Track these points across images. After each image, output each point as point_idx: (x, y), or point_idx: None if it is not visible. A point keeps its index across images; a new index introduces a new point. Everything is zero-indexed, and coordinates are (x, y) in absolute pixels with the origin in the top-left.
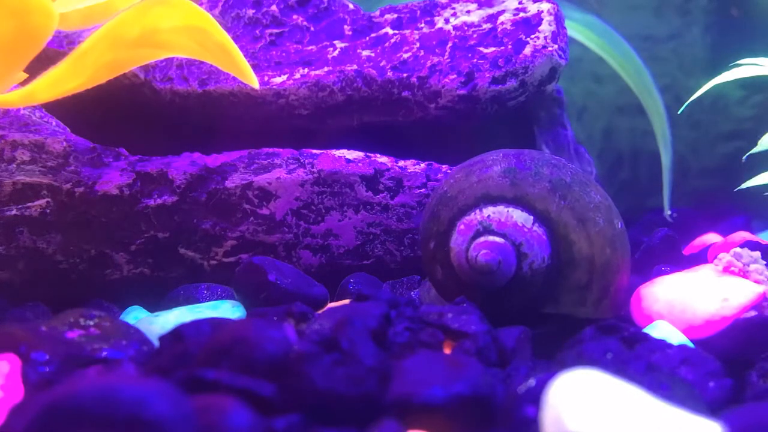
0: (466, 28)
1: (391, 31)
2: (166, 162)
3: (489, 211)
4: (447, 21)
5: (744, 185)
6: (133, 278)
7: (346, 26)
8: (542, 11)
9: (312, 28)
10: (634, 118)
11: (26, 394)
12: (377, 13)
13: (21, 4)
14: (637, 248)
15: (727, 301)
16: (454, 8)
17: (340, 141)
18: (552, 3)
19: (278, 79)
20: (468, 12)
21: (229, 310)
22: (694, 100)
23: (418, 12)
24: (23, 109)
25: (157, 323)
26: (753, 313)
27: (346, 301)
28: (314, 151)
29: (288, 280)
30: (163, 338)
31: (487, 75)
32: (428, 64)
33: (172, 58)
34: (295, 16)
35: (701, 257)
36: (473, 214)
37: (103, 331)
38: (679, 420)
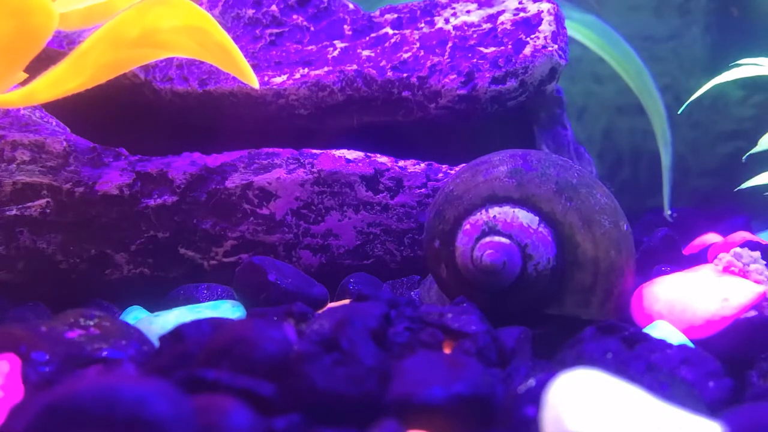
0: (466, 28)
1: (391, 31)
2: (166, 162)
3: (495, 211)
4: (447, 21)
5: (744, 185)
6: (133, 278)
7: (346, 26)
8: (542, 11)
9: (312, 28)
10: (634, 118)
11: (26, 394)
12: (377, 13)
13: (21, 4)
14: (637, 248)
15: (727, 301)
16: (454, 8)
17: (340, 141)
18: (552, 3)
19: (278, 79)
20: (468, 12)
21: (229, 310)
22: (694, 100)
23: (418, 12)
24: (23, 109)
25: (157, 323)
26: (753, 313)
27: (346, 301)
28: (314, 151)
29: (288, 280)
30: (163, 338)
31: (487, 75)
32: (428, 64)
33: (172, 58)
34: (295, 16)
35: (701, 257)
36: (479, 214)
37: (103, 331)
38: (679, 420)
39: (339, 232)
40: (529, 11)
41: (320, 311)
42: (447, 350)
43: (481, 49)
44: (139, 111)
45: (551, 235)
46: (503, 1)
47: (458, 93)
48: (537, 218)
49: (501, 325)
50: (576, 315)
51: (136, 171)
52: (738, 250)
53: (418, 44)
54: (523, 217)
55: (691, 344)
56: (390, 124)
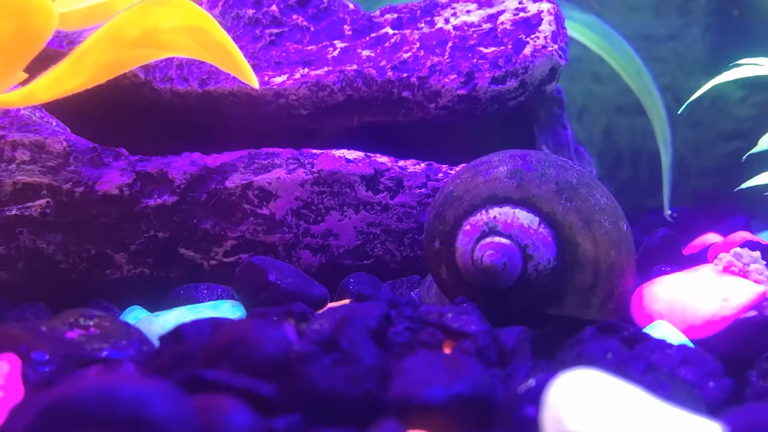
0: (466, 28)
1: (391, 31)
2: (166, 162)
3: (495, 211)
4: (447, 21)
5: (744, 185)
6: (133, 278)
7: (346, 26)
8: (542, 11)
9: (312, 28)
10: (634, 118)
11: (26, 394)
12: (377, 13)
13: (21, 4)
14: (637, 248)
15: (727, 301)
16: (454, 8)
17: (340, 141)
18: (552, 3)
19: (278, 79)
20: (468, 12)
21: (229, 310)
22: (694, 100)
23: (418, 12)
24: (23, 109)
25: (157, 323)
26: (753, 313)
27: (346, 301)
28: (314, 151)
29: (288, 280)
30: (163, 338)
31: (487, 75)
32: (428, 64)
33: (172, 58)
34: (295, 16)
35: (701, 257)
36: (479, 214)
37: (103, 331)
38: (679, 420)
39: (339, 232)
40: (529, 11)
41: (320, 311)
42: (447, 350)
43: (481, 49)
44: (139, 111)
45: (551, 235)
46: (503, 1)
47: (458, 93)
48: (537, 219)
49: (501, 325)
50: (576, 315)
51: (136, 171)
52: (738, 250)
53: (418, 44)
54: (524, 217)
55: (691, 344)
56: (390, 124)
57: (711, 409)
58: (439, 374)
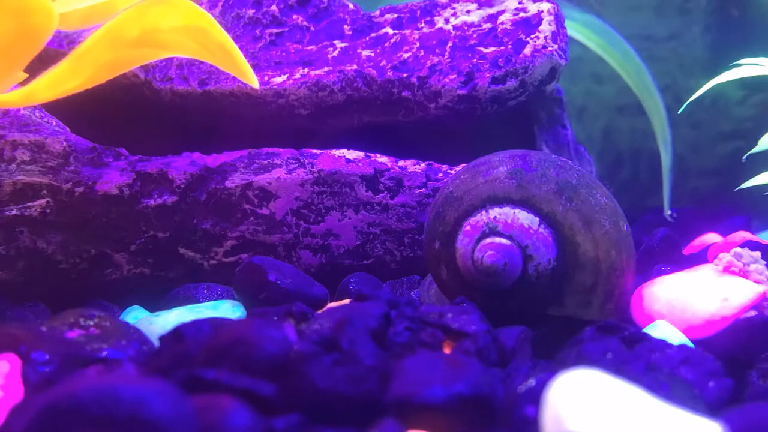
0: (466, 28)
1: (391, 31)
2: (166, 162)
3: (495, 212)
4: (447, 21)
5: (744, 185)
6: (133, 278)
7: (346, 26)
8: (542, 11)
9: (312, 28)
10: (634, 118)
11: (26, 394)
12: (377, 12)
13: (21, 4)
14: (637, 248)
15: (727, 301)
16: (454, 8)
17: (340, 141)
18: (552, 3)
19: (278, 79)
20: (468, 12)
21: (229, 310)
22: (694, 100)
23: (418, 12)
24: (23, 109)
25: (157, 323)
26: (753, 313)
27: (346, 301)
28: (314, 151)
29: (288, 280)
30: (163, 338)
31: (487, 75)
32: (428, 64)
33: (172, 58)
34: (295, 16)
35: (701, 257)
36: (479, 215)
37: (103, 331)
38: (679, 420)
39: (339, 232)
40: (529, 11)
41: (320, 311)
42: (447, 350)
43: (481, 49)
44: (139, 111)
45: (552, 235)
46: (503, 1)
47: (458, 93)
48: (537, 219)
49: (501, 325)
50: (576, 315)
51: (136, 171)
52: (738, 250)
53: (418, 44)
54: (524, 218)
55: (691, 344)
56: (390, 124)
57: (711, 409)
58: (439, 374)
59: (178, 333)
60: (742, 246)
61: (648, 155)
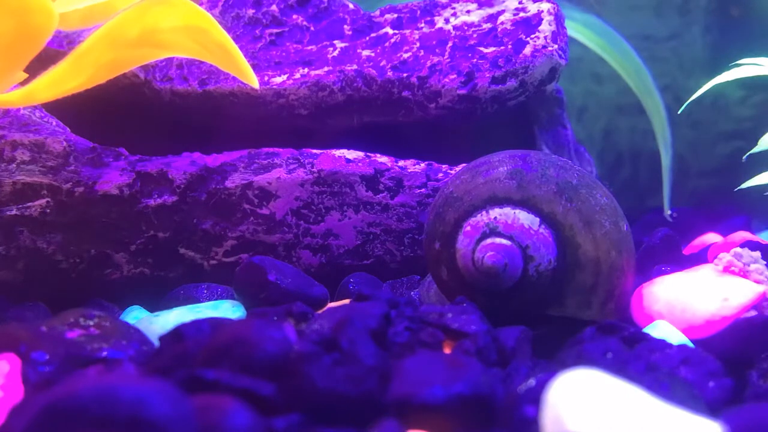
0: (466, 28)
1: (391, 31)
2: (166, 162)
3: (495, 212)
4: (447, 21)
5: (744, 185)
6: (133, 278)
7: (346, 26)
8: (542, 11)
9: (312, 28)
10: (634, 118)
11: (26, 394)
12: (377, 12)
13: (21, 4)
14: (637, 248)
15: (727, 300)
16: (454, 8)
17: (340, 141)
18: (552, 3)
19: (278, 79)
20: (468, 12)
21: (229, 310)
22: (694, 100)
23: (418, 12)
24: (23, 109)
25: (157, 323)
26: (753, 313)
27: (346, 301)
28: (314, 151)
29: (288, 280)
30: (163, 338)
31: (487, 75)
32: (428, 64)
33: (172, 58)
34: (295, 16)
35: (701, 257)
36: (480, 215)
37: (103, 331)
38: (679, 420)
39: (339, 232)
40: (529, 11)
41: (320, 311)
42: (447, 350)
43: (481, 49)
44: (139, 111)
45: (552, 236)
46: (503, 1)
47: (458, 93)
48: (538, 219)
49: (501, 325)
50: (577, 315)
51: (136, 171)
52: (738, 250)
53: (418, 44)
54: (524, 218)
55: (691, 344)
56: (390, 124)
57: (711, 409)
58: (439, 374)
59: (178, 333)
60: (742, 246)
61: (648, 155)
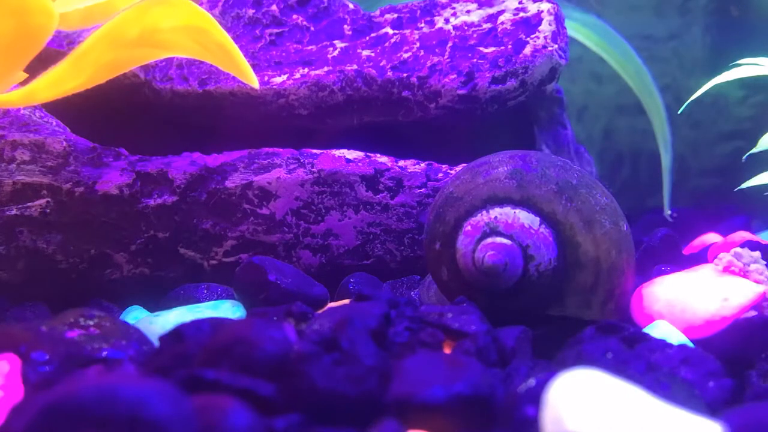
0: (466, 27)
1: (391, 31)
2: (166, 162)
3: (496, 212)
4: (447, 21)
5: (744, 185)
6: (133, 278)
7: (346, 26)
8: (542, 11)
9: (312, 28)
10: (634, 118)
11: (26, 394)
12: (377, 12)
13: (21, 4)
14: (637, 248)
15: (727, 300)
16: (454, 8)
17: (340, 141)
18: (552, 3)
19: (278, 79)
20: (468, 12)
21: (229, 309)
22: (694, 100)
23: (418, 12)
24: (23, 109)
25: (157, 323)
26: (753, 313)
27: (346, 301)
28: (314, 151)
29: (288, 280)
30: (163, 338)
31: (487, 75)
32: (428, 63)
33: (172, 58)
34: (295, 16)
35: (701, 257)
36: (480, 215)
37: (103, 331)
38: (679, 420)
39: (339, 232)
40: (529, 11)
41: (320, 311)
42: (447, 350)
43: (481, 49)
44: (140, 111)
45: (552, 235)
46: (503, 1)
47: (458, 93)
48: (538, 219)
49: (501, 325)
50: (577, 315)
51: (136, 171)
52: (738, 250)
53: (418, 44)
54: (524, 218)
55: (691, 344)
56: (390, 124)
57: (711, 409)
58: (439, 374)
59: (178, 333)
60: (742, 246)
61: (648, 155)
